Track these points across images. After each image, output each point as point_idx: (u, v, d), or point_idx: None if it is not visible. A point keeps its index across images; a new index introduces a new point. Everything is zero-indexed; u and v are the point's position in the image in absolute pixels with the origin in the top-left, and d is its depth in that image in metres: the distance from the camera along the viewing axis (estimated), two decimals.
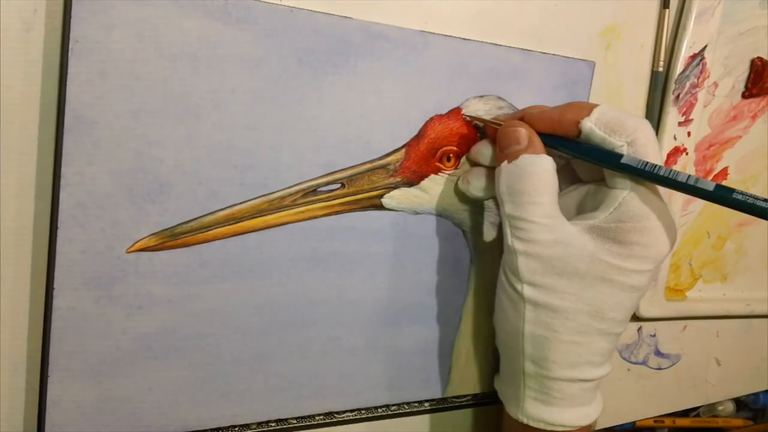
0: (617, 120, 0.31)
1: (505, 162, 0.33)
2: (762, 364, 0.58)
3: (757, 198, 0.28)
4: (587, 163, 0.34)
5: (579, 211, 0.35)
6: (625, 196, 0.31)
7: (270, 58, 0.31)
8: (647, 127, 0.31)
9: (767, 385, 0.59)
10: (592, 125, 0.31)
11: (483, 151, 0.35)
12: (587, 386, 0.33)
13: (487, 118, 0.36)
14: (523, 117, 0.34)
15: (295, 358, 0.34)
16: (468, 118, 0.36)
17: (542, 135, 0.33)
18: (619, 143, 0.31)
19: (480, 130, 0.36)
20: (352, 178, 0.34)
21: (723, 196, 0.29)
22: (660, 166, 0.30)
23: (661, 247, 0.31)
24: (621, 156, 0.31)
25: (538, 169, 0.32)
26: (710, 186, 0.29)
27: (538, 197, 0.31)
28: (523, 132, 0.33)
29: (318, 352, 0.35)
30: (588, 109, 0.32)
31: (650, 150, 0.31)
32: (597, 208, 0.32)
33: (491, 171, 0.35)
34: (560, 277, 0.31)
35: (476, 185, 0.35)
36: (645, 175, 0.30)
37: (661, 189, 0.31)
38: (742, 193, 0.28)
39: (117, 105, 0.28)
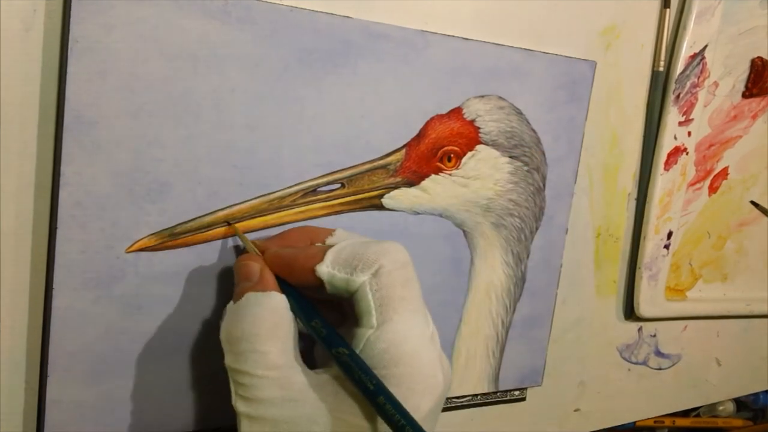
0: (354, 254, 0.27)
1: (230, 303, 0.28)
2: (762, 364, 0.58)
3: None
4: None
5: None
6: (370, 336, 0.26)
7: (270, 58, 0.31)
8: (394, 252, 0.27)
9: (767, 385, 0.59)
10: (329, 270, 0.27)
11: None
12: None
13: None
14: (264, 251, 0.30)
15: None
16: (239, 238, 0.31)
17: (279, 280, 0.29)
18: (362, 278, 0.27)
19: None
20: (352, 178, 0.34)
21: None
22: (369, 379, 0.25)
23: (417, 398, 0.26)
24: (340, 352, 0.26)
25: (263, 310, 0.26)
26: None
27: (260, 344, 0.26)
28: (255, 266, 0.28)
29: None
30: (321, 252, 0.28)
31: (396, 278, 0.27)
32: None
33: None
34: None
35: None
36: (355, 383, 0.26)
37: (410, 325, 0.27)
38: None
39: (117, 105, 0.28)
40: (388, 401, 0.25)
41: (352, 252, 0.27)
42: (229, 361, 0.27)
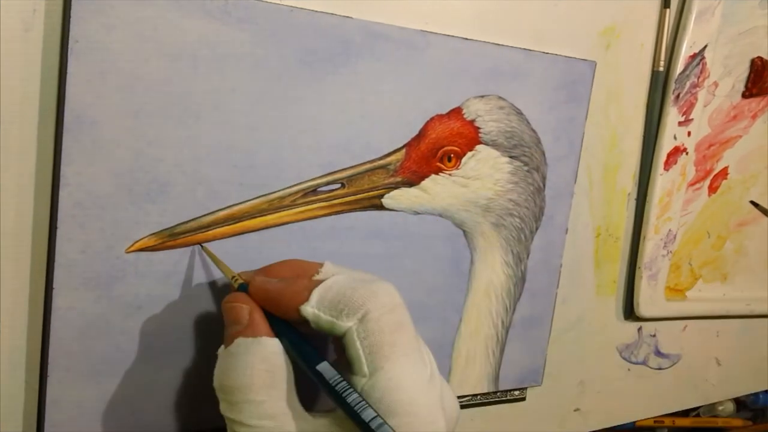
0: (341, 296, 0.26)
1: (222, 348, 0.27)
2: (762, 364, 0.58)
3: None
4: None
5: None
6: (364, 385, 0.25)
7: (270, 58, 0.31)
8: (382, 295, 0.26)
9: (767, 385, 0.59)
10: (314, 311, 0.26)
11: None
12: None
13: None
14: (249, 281, 0.28)
15: None
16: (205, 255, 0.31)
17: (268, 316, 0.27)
18: (348, 324, 0.25)
19: None
20: (352, 178, 0.34)
21: None
22: (349, 392, 0.25)
23: None
24: (316, 366, 0.26)
25: (254, 359, 0.26)
26: None
27: (254, 394, 0.25)
28: (243, 309, 0.27)
29: None
30: (308, 290, 0.26)
31: (385, 324, 0.26)
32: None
33: None
34: None
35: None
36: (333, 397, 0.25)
37: (406, 372, 0.26)
38: None
39: (117, 105, 0.28)
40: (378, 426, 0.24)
41: (338, 293, 0.26)
42: (223, 409, 0.26)
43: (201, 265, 0.31)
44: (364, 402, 0.24)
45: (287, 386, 0.26)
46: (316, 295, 0.26)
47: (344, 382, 0.25)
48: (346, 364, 0.27)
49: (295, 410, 0.26)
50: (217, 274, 0.32)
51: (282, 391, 0.26)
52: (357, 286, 0.26)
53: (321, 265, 0.29)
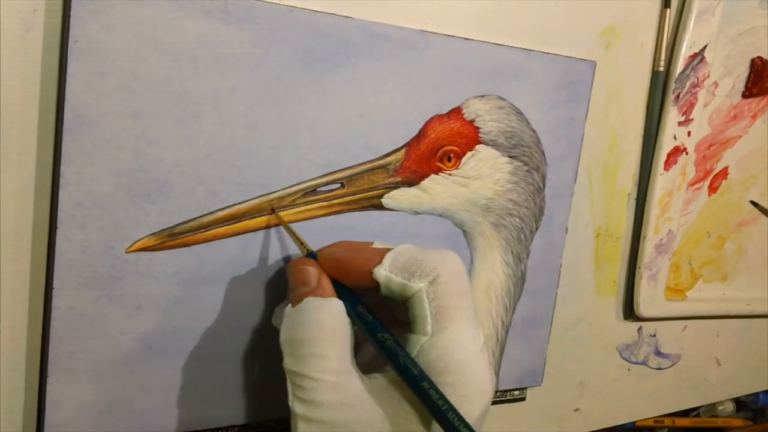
0: (413, 260, 0.28)
1: (290, 306, 0.28)
2: (762, 364, 0.58)
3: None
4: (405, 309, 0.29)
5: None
6: (424, 343, 0.27)
7: (270, 58, 0.31)
8: (451, 262, 0.28)
9: (767, 385, 0.59)
10: (386, 273, 0.28)
11: (277, 318, 0.31)
12: None
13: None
14: (317, 253, 0.30)
15: None
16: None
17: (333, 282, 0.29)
18: (419, 285, 0.27)
19: None
20: (352, 178, 0.34)
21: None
22: (413, 366, 0.26)
23: (468, 406, 0.26)
24: (383, 338, 0.27)
25: (323, 316, 0.27)
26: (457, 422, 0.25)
27: (320, 349, 0.27)
28: (312, 271, 0.29)
29: None
30: (379, 255, 0.28)
31: (452, 289, 0.27)
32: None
33: None
34: None
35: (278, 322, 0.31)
36: (398, 368, 0.27)
37: (464, 335, 0.27)
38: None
39: (117, 105, 0.28)
40: (431, 387, 0.26)
41: (410, 258, 0.28)
42: (288, 363, 0.27)
43: (200, 264, 0.31)
44: (418, 367, 0.26)
45: (349, 348, 0.28)
46: (388, 258, 0.28)
47: (405, 353, 0.27)
48: (401, 328, 0.29)
49: (352, 369, 0.27)
50: (218, 273, 0.32)
51: (344, 349, 0.27)
52: (427, 251, 0.28)
53: (371, 242, 0.31)
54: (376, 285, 0.28)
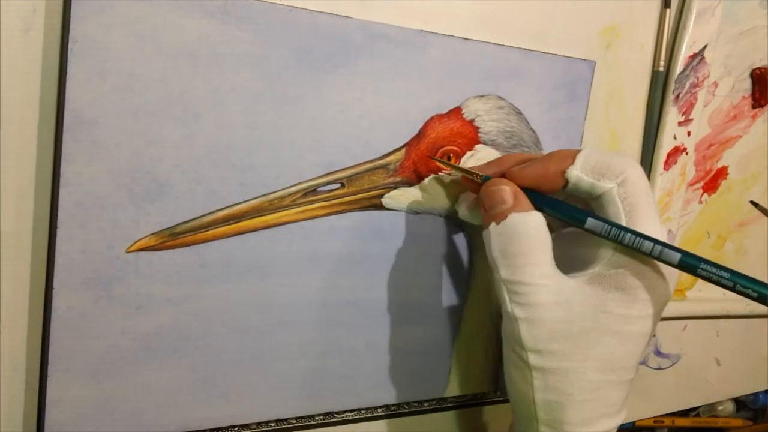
0: (603, 163, 0.30)
1: (493, 224, 0.31)
2: (762, 364, 0.58)
3: (722, 272, 0.28)
4: (580, 204, 0.33)
5: (567, 257, 0.33)
6: None
7: (270, 57, 0.31)
8: (635, 166, 0.31)
9: (767, 385, 0.59)
10: (578, 173, 0.30)
11: (464, 210, 0.35)
12: None
13: (466, 167, 0.34)
14: (505, 173, 0.33)
15: (294, 358, 0.34)
16: (446, 172, 0.35)
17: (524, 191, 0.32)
18: (609, 185, 0.30)
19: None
20: (352, 178, 0.34)
21: (688, 268, 0.28)
22: (625, 233, 0.29)
23: (663, 288, 0.30)
24: (585, 220, 0.30)
25: (530, 228, 0.30)
26: (675, 258, 0.28)
27: (534, 257, 0.30)
28: (508, 190, 0.31)
29: (318, 352, 0.35)
30: (571, 156, 0.31)
31: (641, 189, 0.30)
32: (591, 256, 0.31)
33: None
34: (566, 340, 0.30)
35: (465, 214, 0.35)
36: (610, 239, 0.30)
37: (655, 229, 0.30)
38: (707, 264, 0.28)
39: (116, 105, 0.28)
40: (656, 243, 0.29)
41: (599, 160, 0.30)
42: (505, 274, 0.30)
43: (200, 264, 0.31)
44: (639, 239, 0.29)
45: (551, 253, 0.31)
46: (580, 159, 0.31)
47: (616, 227, 0.29)
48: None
49: (559, 272, 0.31)
50: (218, 273, 0.32)
51: (550, 255, 0.30)
52: (611, 154, 0.31)
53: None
54: (564, 185, 0.31)
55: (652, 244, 0.29)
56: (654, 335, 0.50)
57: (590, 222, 0.30)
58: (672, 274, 0.31)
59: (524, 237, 0.30)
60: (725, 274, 0.28)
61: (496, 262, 0.31)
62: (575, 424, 0.31)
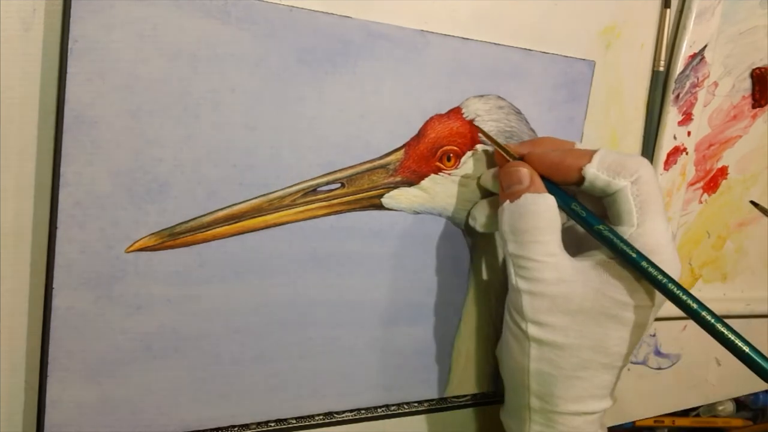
0: (618, 162, 0.32)
1: (508, 201, 0.33)
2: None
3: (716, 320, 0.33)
4: (589, 199, 0.35)
5: (579, 244, 0.35)
6: (632, 233, 0.32)
7: (270, 57, 0.31)
8: (648, 165, 0.32)
9: (767, 385, 0.59)
10: (595, 171, 0.32)
11: (488, 179, 0.37)
12: (591, 419, 0.33)
13: (500, 141, 0.36)
14: (524, 156, 0.34)
15: (294, 358, 0.34)
16: (481, 136, 0.36)
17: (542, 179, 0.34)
18: (623, 183, 0.32)
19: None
20: (352, 178, 0.34)
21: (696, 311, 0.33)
22: (631, 249, 0.31)
23: None
24: (600, 229, 0.32)
25: (541, 208, 0.32)
26: (684, 295, 0.31)
27: (540, 236, 0.32)
28: (525, 172, 0.33)
29: (318, 352, 0.35)
30: (588, 155, 0.33)
31: (652, 187, 0.32)
32: (599, 243, 0.33)
33: (493, 206, 0.36)
34: (565, 315, 0.32)
35: (481, 221, 0.36)
36: (616, 252, 0.32)
37: (662, 226, 0.32)
38: (710, 312, 0.33)
39: (116, 105, 0.28)
40: (651, 265, 0.31)
41: (615, 159, 0.32)
42: (513, 249, 0.33)
43: (200, 264, 0.31)
44: (652, 266, 0.31)
45: (559, 235, 0.33)
46: (597, 158, 0.32)
47: (621, 239, 0.31)
48: (606, 219, 0.33)
49: (565, 253, 0.33)
50: (218, 273, 0.32)
51: (558, 237, 0.33)
52: (626, 155, 0.33)
53: (574, 143, 0.35)
54: (581, 181, 0.32)
55: (660, 271, 0.31)
56: (653, 335, 0.50)
57: (606, 229, 0.32)
58: (674, 271, 0.32)
59: (534, 216, 0.32)
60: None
61: (506, 237, 0.33)
62: (564, 399, 0.33)
